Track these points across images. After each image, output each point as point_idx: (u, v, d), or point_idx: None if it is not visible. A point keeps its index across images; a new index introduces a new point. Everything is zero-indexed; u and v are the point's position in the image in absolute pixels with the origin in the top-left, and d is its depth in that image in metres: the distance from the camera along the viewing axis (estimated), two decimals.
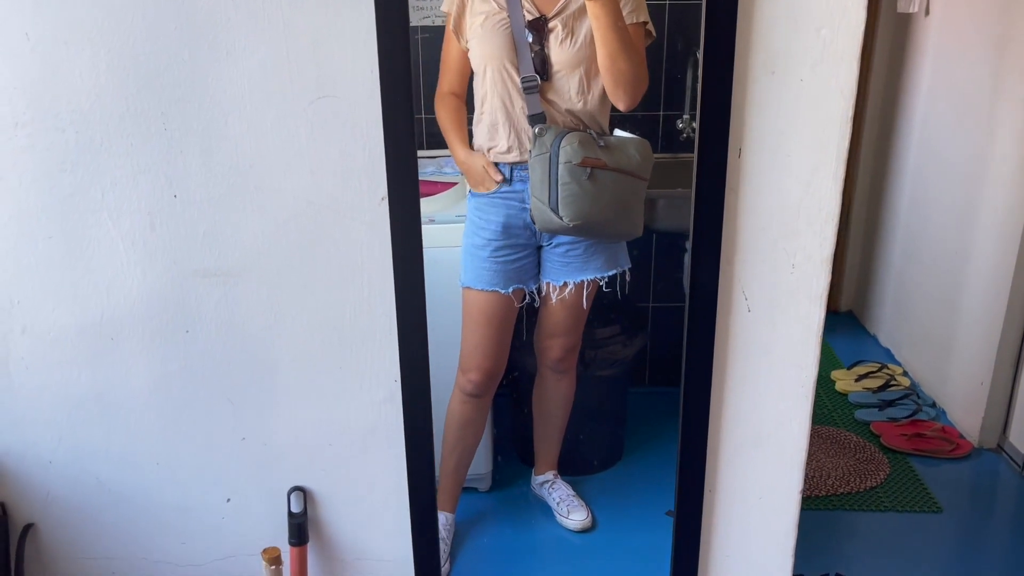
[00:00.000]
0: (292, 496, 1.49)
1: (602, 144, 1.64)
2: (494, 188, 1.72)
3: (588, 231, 1.71)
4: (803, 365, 1.37)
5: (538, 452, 2.11)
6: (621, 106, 1.62)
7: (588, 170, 1.61)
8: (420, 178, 1.86)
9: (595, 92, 1.67)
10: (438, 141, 1.83)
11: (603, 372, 2.16)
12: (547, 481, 2.10)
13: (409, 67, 1.22)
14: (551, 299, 1.84)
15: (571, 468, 2.15)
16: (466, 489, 2.02)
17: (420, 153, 1.83)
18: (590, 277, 1.82)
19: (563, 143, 1.61)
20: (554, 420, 2.06)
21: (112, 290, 1.37)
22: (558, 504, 2.06)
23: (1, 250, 1.34)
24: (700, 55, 1.21)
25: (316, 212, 1.32)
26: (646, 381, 2.32)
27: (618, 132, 1.71)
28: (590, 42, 1.61)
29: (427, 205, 1.83)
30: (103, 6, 1.22)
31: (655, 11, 1.97)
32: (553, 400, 2.03)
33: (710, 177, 1.25)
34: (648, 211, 2.10)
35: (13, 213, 1.32)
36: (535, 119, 1.65)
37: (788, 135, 1.25)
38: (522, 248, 1.79)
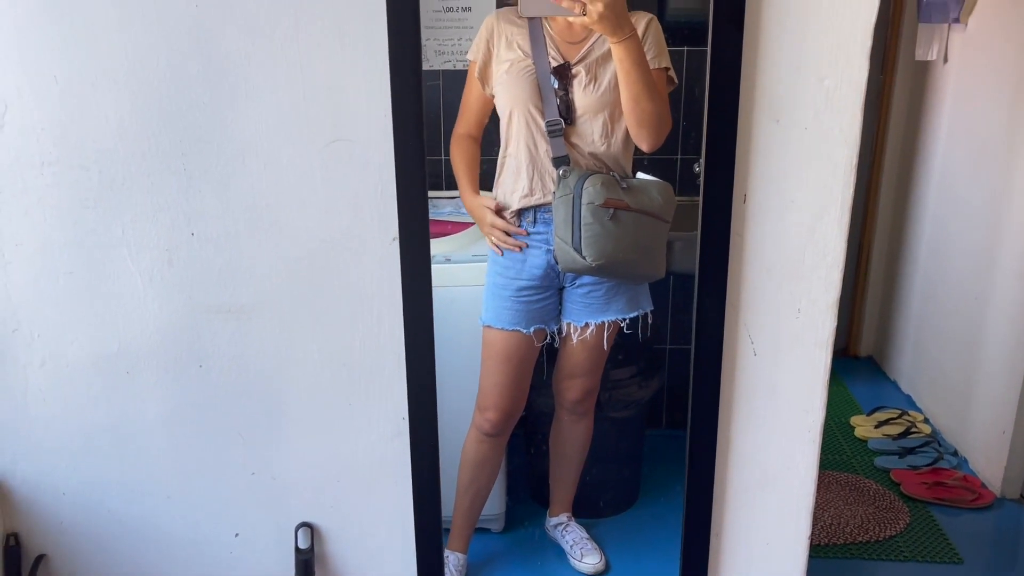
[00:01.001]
0: (299, 532, 1.50)
1: (624, 186, 1.67)
2: (498, 241, 1.76)
3: (611, 271, 1.73)
4: (810, 409, 1.36)
5: (553, 493, 2.11)
6: (644, 146, 1.65)
7: (611, 211, 1.63)
8: (438, 218, 1.90)
9: (618, 135, 1.70)
10: (456, 183, 1.86)
11: (619, 414, 2.16)
12: (561, 523, 2.09)
13: (421, 111, 1.25)
14: (571, 340, 1.85)
15: (585, 510, 2.13)
16: (479, 529, 2.01)
17: (439, 193, 1.88)
18: (611, 318, 1.83)
19: (586, 184, 1.64)
20: (570, 462, 2.06)
21: (129, 324, 1.40)
22: (571, 547, 2.05)
23: (25, 284, 1.38)
24: (705, 102, 1.23)
25: (328, 250, 1.36)
26: (663, 423, 2.30)
27: (640, 175, 1.74)
28: (613, 87, 1.64)
29: (444, 244, 1.86)
30: (129, 50, 1.27)
31: (673, 57, 2.01)
32: (570, 442, 2.03)
33: (715, 222, 1.27)
34: (666, 254, 2.12)
35: (37, 248, 1.36)
36: (559, 161, 1.68)
37: (792, 182, 1.27)
38: (545, 289, 1.81)
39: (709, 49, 1.21)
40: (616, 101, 1.65)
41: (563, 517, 2.09)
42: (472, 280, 1.87)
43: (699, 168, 2.07)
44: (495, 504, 2.05)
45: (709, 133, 1.23)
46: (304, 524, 1.49)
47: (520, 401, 1.90)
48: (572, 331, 1.84)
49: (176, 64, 1.27)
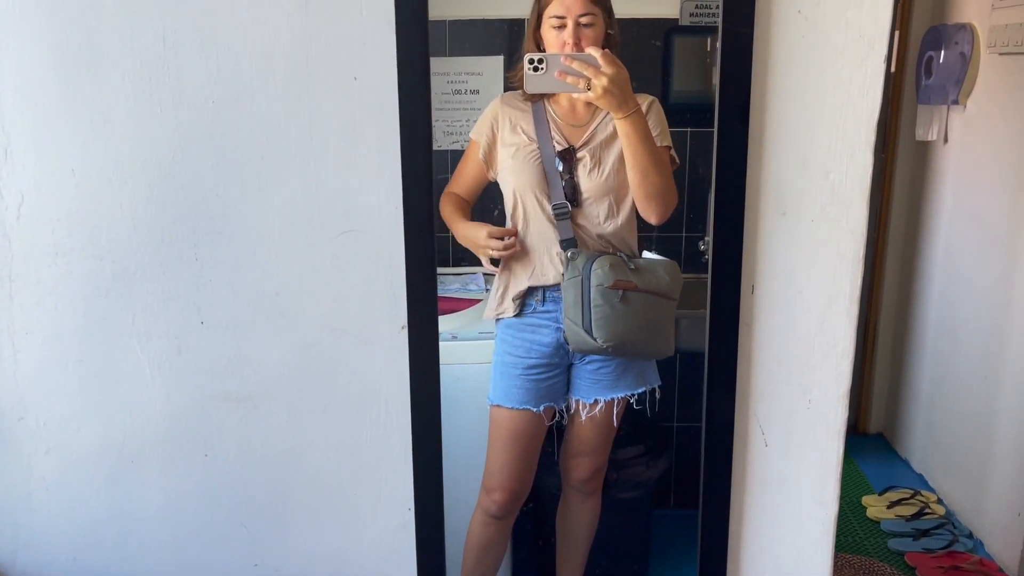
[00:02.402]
0: None
1: (632, 267, 1.67)
2: (502, 249, 1.70)
3: (621, 351, 1.72)
4: (823, 501, 1.34)
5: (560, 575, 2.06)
6: (653, 220, 1.66)
7: (620, 292, 1.64)
8: (444, 294, 1.90)
9: (623, 216, 1.71)
10: (463, 259, 1.87)
11: (626, 494, 2.12)
12: None
13: (432, 209, 1.27)
14: (580, 417, 1.84)
15: None
16: None
17: (445, 270, 1.89)
18: (621, 395, 1.81)
19: (594, 267, 1.65)
20: (578, 542, 2.01)
21: (135, 412, 1.39)
22: None
23: (33, 372, 1.38)
24: (712, 196, 1.25)
25: (337, 339, 1.36)
26: (671, 503, 2.25)
27: (647, 254, 1.75)
28: (617, 170, 1.66)
29: (451, 322, 1.86)
30: (145, 144, 1.29)
31: (678, 137, 2.04)
32: (577, 521, 1.99)
33: (724, 312, 1.27)
34: (674, 330, 2.11)
35: (47, 336, 1.37)
36: (567, 244, 1.69)
37: (800, 273, 1.27)
38: (554, 367, 1.80)
39: (715, 144, 1.23)
40: (621, 183, 1.67)
41: None
42: (479, 358, 1.86)
43: (704, 246, 2.10)
44: None
45: (717, 225, 1.25)
46: None
47: (527, 481, 1.86)
48: (581, 408, 1.83)
49: (191, 158, 1.29)
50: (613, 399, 1.81)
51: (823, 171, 1.24)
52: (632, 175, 1.62)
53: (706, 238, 2.09)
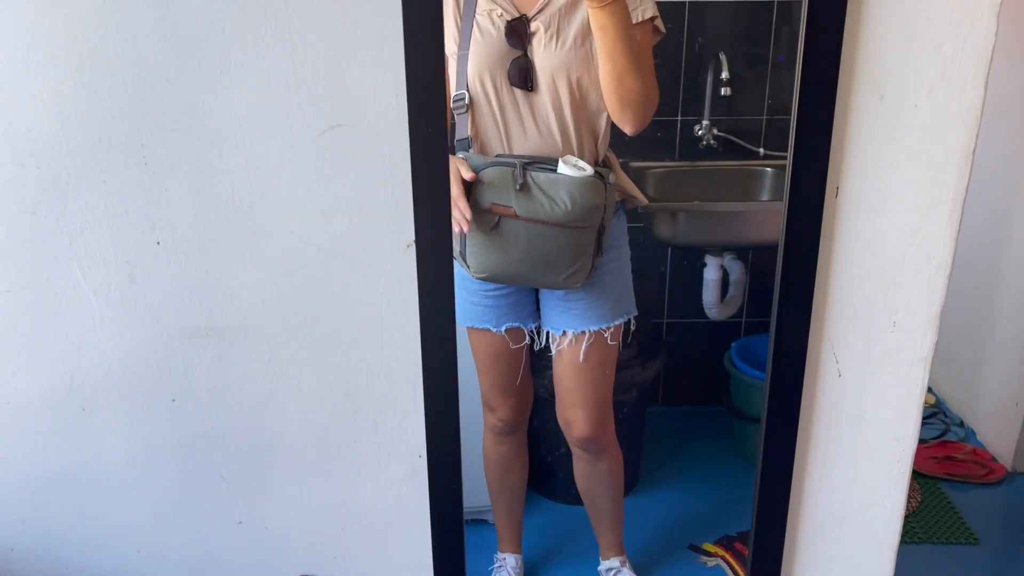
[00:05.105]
0: None
1: (519, 185, 1.39)
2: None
3: (503, 282, 1.52)
4: (900, 437, 1.18)
5: (598, 537, 1.85)
6: (628, 129, 1.40)
7: (496, 218, 1.40)
8: None
9: (588, 106, 1.44)
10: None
11: (620, 397, 2.00)
12: (612, 568, 1.84)
13: (444, 88, 1.02)
14: (553, 351, 1.63)
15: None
16: (475, 521, 1.91)
17: None
18: (594, 328, 1.57)
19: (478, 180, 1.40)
20: (604, 503, 1.79)
21: (83, 352, 1.18)
22: None
23: None
24: (797, 76, 1.01)
25: (328, 260, 1.13)
26: (659, 400, 2.18)
27: (563, 166, 1.43)
28: (581, 44, 1.40)
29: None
30: (70, 17, 1.02)
31: (673, 9, 1.80)
32: (595, 483, 1.76)
33: (803, 220, 1.06)
34: (664, 224, 1.93)
35: None
36: (462, 144, 1.44)
37: (896, 171, 1.06)
38: (507, 286, 1.58)
39: (804, 12, 0.98)
40: (585, 61, 1.40)
41: (615, 562, 1.83)
42: None
43: (701, 130, 1.89)
44: (485, 496, 1.87)
45: (800, 112, 1.01)
46: None
47: (522, 397, 1.72)
48: (551, 341, 1.62)
49: (131, 34, 1.02)
50: (584, 332, 1.58)
51: (934, 43, 1.01)
52: (605, 75, 1.35)
53: (703, 122, 1.90)
